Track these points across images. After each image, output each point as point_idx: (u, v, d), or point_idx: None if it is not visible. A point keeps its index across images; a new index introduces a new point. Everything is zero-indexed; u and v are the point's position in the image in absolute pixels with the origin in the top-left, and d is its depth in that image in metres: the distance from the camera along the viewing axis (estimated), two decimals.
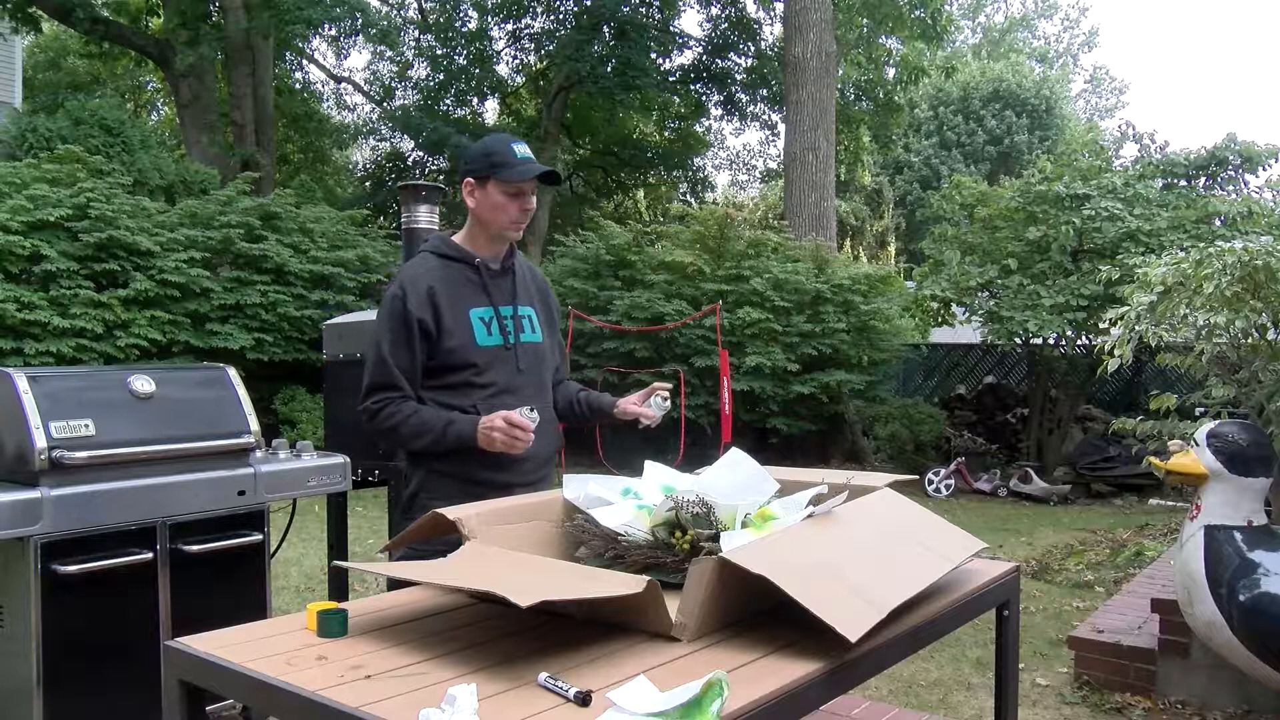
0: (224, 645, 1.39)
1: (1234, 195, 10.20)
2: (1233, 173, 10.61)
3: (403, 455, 2.49)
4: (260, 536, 2.99)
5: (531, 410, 2.19)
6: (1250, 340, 3.84)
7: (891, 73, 17.94)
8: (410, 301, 2.25)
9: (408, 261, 2.39)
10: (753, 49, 18.71)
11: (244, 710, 2.97)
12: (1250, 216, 8.78)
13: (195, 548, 2.80)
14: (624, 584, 1.38)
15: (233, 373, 3.09)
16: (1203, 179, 10.68)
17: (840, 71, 15.28)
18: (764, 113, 19.74)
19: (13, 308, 7.86)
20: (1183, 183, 10.55)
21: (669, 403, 2.47)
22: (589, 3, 17.42)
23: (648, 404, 2.44)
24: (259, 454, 3.04)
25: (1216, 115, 60.55)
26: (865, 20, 16.23)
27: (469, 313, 2.31)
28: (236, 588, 2.94)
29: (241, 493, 2.94)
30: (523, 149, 2.30)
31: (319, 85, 22.79)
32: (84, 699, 2.59)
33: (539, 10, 18.66)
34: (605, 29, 17.18)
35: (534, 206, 2.36)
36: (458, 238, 2.40)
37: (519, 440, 2.17)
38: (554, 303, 2.60)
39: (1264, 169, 10.31)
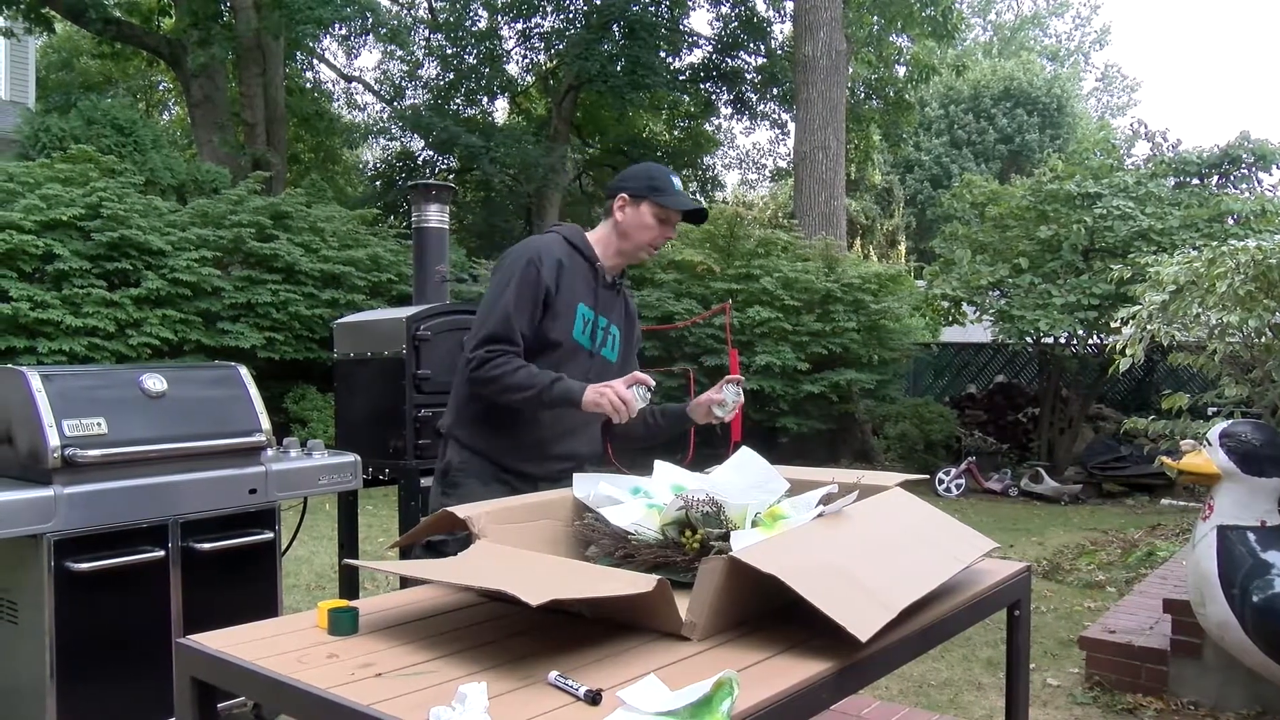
0: (235, 643, 1.39)
1: (1247, 194, 10.14)
2: (1246, 171, 10.55)
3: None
4: (271, 535, 3.01)
5: (647, 392, 2.25)
6: (1264, 339, 3.82)
7: (902, 71, 17.88)
8: (545, 270, 2.32)
9: (535, 236, 2.47)
10: (762, 48, 18.68)
11: (255, 707, 2.98)
12: (1264, 215, 8.72)
13: (207, 546, 2.81)
14: (634, 583, 1.38)
15: (244, 371, 3.10)
16: (1215, 177, 10.62)
17: (850, 70, 15.24)
18: (774, 111, 19.71)
19: (26, 306, 7.91)
20: (1195, 181, 10.50)
21: (742, 395, 2.42)
22: (599, 2, 17.41)
23: (721, 391, 2.41)
24: (270, 452, 3.05)
25: (1230, 113, 60.24)
26: (875, 18, 16.18)
27: (578, 305, 2.37)
28: (248, 586, 2.95)
29: (253, 491, 2.95)
30: (679, 182, 2.42)
31: (330, 85, 22.84)
32: (97, 695, 2.60)
33: (549, 9, 18.66)
34: (615, 28, 17.17)
35: (673, 237, 2.47)
36: (590, 236, 2.46)
37: (622, 411, 2.22)
38: (638, 333, 2.66)
39: (1278, 167, 10.25)
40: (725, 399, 2.40)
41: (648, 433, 2.54)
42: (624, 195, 2.40)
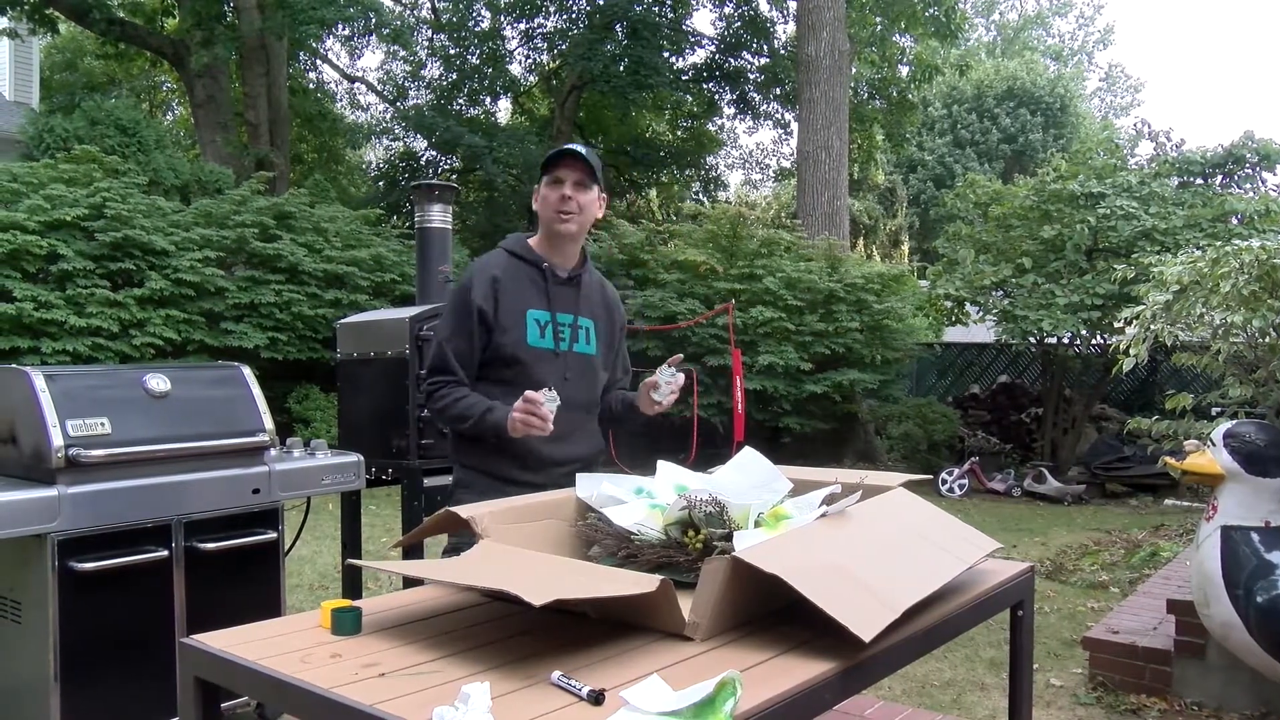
0: (239, 642, 1.40)
1: (1251, 193, 10.13)
2: (1250, 171, 10.54)
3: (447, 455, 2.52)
4: (275, 534, 3.01)
5: (550, 390, 2.19)
6: (1268, 339, 3.81)
7: (905, 71, 17.87)
8: (475, 291, 2.33)
9: (479, 257, 2.48)
10: (766, 48, 18.68)
11: (259, 707, 2.99)
12: (1268, 215, 8.71)
13: (210, 545, 2.81)
14: (637, 583, 1.38)
15: (247, 371, 3.11)
16: (1219, 177, 10.61)
17: (853, 70, 15.23)
18: (777, 111, 19.70)
19: (30, 307, 7.92)
20: (1199, 181, 10.49)
21: (680, 375, 2.36)
22: (601, 2, 17.42)
23: (657, 375, 2.36)
24: (274, 452, 3.05)
25: (1233, 113, 60.16)
26: (879, 18, 16.17)
27: (526, 312, 2.36)
28: (251, 585, 2.96)
29: (256, 491, 2.95)
30: (571, 147, 2.37)
31: (332, 85, 22.87)
32: (100, 695, 2.61)
33: (552, 9, 18.67)
34: (618, 28, 17.18)
35: (575, 197, 2.34)
36: (532, 240, 2.45)
37: (534, 417, 2.16)
38: (620, 319, 2.61)
39: None
40: (659, 381, 2.35)
41: (612, 419, 2.56)
42: (535, 186, 2.42)
